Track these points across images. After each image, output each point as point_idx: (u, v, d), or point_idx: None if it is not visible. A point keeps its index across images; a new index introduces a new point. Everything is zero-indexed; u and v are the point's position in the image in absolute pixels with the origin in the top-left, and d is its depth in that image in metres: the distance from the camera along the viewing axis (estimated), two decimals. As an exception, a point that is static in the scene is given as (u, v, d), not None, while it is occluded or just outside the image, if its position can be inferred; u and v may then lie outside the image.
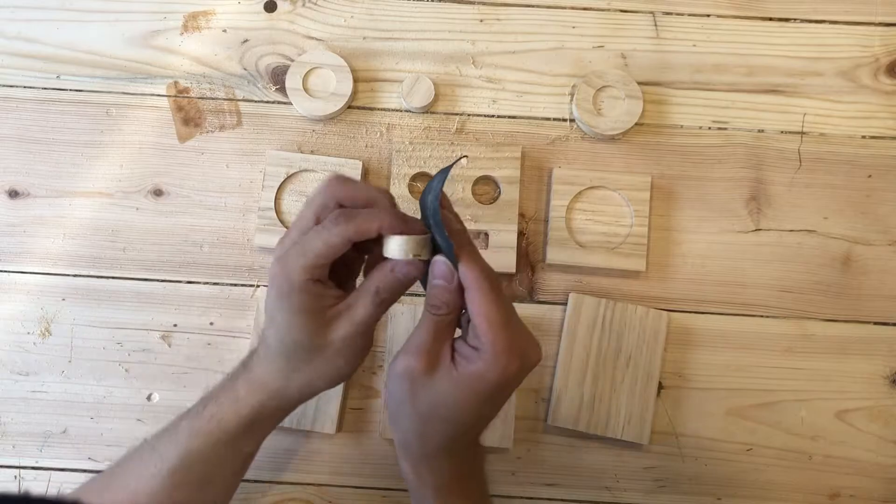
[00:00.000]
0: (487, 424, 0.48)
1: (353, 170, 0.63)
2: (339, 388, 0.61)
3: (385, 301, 0.45)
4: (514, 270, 0.62)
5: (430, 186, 0.44)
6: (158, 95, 0.66)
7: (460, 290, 0.44)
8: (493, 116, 0.66)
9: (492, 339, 0.42)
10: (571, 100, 0.66)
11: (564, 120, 0.66)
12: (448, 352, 0.44)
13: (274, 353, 0.46)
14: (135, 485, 0.48)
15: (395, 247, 0.43)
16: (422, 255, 0.44)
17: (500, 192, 0.63)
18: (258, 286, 0.63)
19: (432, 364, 0.44)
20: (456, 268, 0.44)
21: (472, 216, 0.62)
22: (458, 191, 0.63)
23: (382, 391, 0.62)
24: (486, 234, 0.62)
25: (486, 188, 0.64)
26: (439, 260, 0.44)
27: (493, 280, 0.44)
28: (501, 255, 0.62)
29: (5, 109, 0.66)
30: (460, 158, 0.53)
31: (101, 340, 0.63)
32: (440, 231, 0.43)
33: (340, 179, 0.45)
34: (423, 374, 0.44)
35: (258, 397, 0.48)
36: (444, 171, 0.43)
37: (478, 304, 0.43)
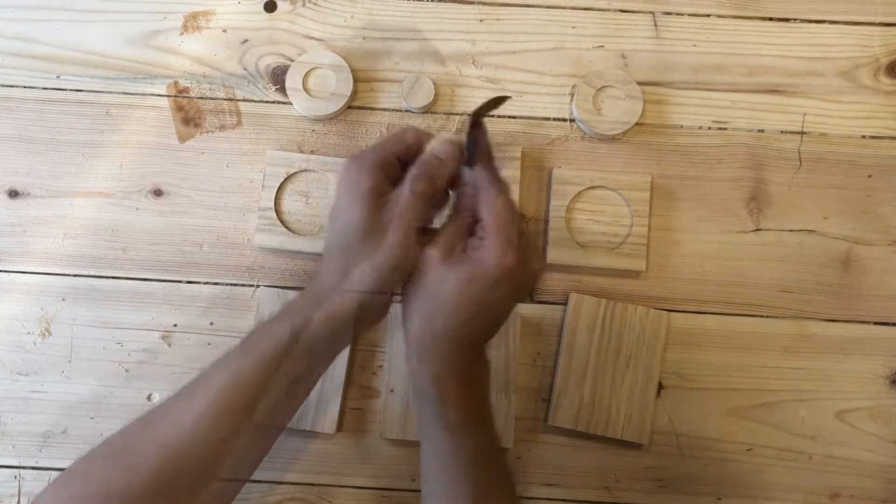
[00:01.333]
0: (487, 330, 0.51)
1: (353, 170, 0.63)
2: (339, 388, 0.61)
3: (421, 186, 0.49)
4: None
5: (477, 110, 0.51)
6: (158, 95, 0.66)
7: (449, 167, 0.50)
8: (493, 116, 0.66)
9: (493, 229, 0.47)
10: (571, 100, 0.66)
11: (564, 120, 0.66)
12: (461, 245, 0.49)
13: (333, 250, 0.50)
14: (180, 416, 0.47)
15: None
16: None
17: None
18: (258, 286, 0.63)
19: (447, 253, 0.48)
20: (471, 166, 0.50)
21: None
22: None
23: (384, 391, 0.62)
24: None
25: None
26: (447, 139, 0.51)
27: (504, 187, 0.50)
28: None
29: (5, 109, 0.66)
30: (507, 98, 0.55)
31: (101, 340, 0.63)
32: (468, 138, 0.50)
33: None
34: (438, 260, 0.48)
35: (311, 310, 0.48)
36: (495, 101, 0.51)
37: (485, 200, 0.49)
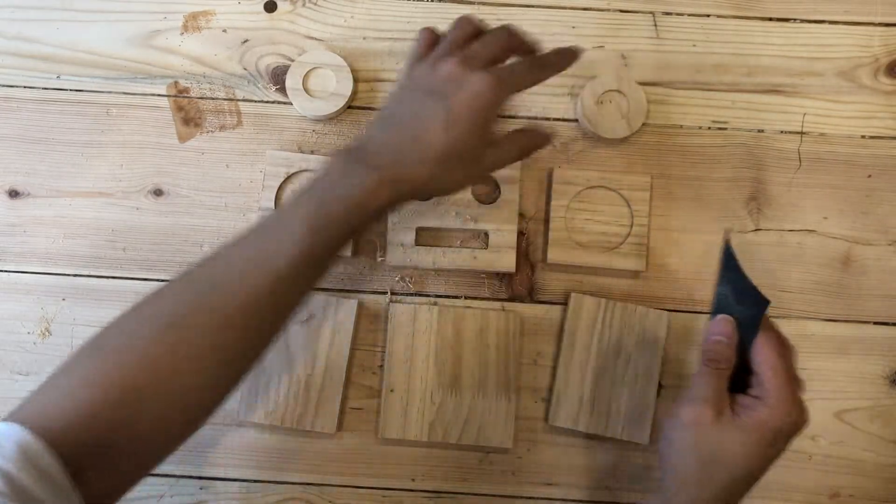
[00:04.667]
0: (760, 476, 0.50)
1: (353, 170, 0.63)
2: (339, 388, 0.61)
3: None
4: (513, 270, 0.62)
5: (727, 261, 0.52)
6: (158, 95, 0.66)
7: (735, 346, 0.50)
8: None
9: (777, 387, 0.48)
10: (575, 103, 0.66)
11: (565, 120, 0.66)
12: (728, 402, 0.50)
13: (431, 156, 0.49)
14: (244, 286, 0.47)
15: None
16: None
17: (499, 191, 0.63)
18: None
19: (716, 413, 0.49)
20: (756, 328, 0.50)
21: (471, 216, 0.62)
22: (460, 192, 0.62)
23: (384, 391, 0.62)
24: (486, 234, 0.62)
25: (486, 188, 0.64)
26: (722, 318, 0.51)
27: (779, 335, 0.50)
28: (501, 255, 0.62)
29: (5, 109, 0.66)
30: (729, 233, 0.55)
31: (101, 340, 0.63)
32: (749, 294, 0.50)
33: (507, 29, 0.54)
34: (709, 421, 0.48)
35: (390, 195, 0.49)
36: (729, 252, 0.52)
37: (765, 356, 0.49)
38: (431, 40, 0.54)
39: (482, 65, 0.50)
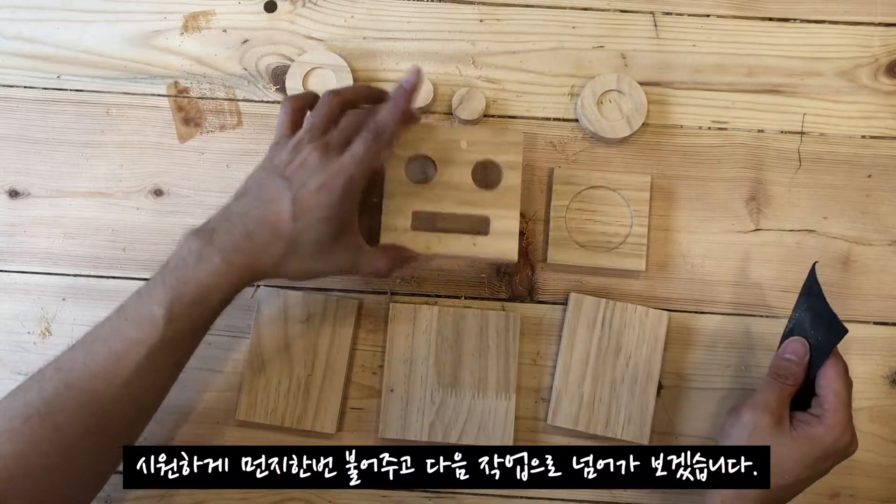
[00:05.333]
0: (803, 489, 0.54)
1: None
2: (339, 388, 0.61)
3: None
4: (515, 257, 0.58)
5: (810, 286, 0.55)
6: (158, 95, 0.66)
7: (805, 366, 0.54)
8: (492, 116, 0.66)
9: (836, 409, 0.52)
10: (576, 103, 0.66)
11: (564, 120, 0.66)
12: (788, 415, 0.54)
13: (282, 240, 0.50)
14: (108, 379, 0.49)
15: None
16: None
17: (501, 177, 0.60)
18: (258, 286, 0.63)
19: (775, 421, 0.53)
20: (826, 353, 0.53)
21: (471, 201, 0.59)
22: (455, 175, 0.59)
23: (384, 391, 0.62)
24: (488, 220, 0.60)
25: (487, 173, 0.61)
26: (798, 339, 0.55)
27: (845, 365, 0.54)
28: (503, 242, 0.59)
29: (5, 109, 0.66)
30: (814, 265, 0.57)
31: (101, 340, 0.63)
32: (826, 320, 0.53)
33: (337, 92, 0.55)
34: (767, 427, 0.52)
35: (240, 276, 0.50)
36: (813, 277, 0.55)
37: (830, 380, 0.53)
38: (297, 116, 0.55)
39: (340, 151, 0.51)
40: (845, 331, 0.53)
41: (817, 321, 0.55)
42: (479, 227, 0.59)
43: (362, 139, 0.51)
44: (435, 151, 0.59)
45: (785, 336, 0.57)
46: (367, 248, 0.54)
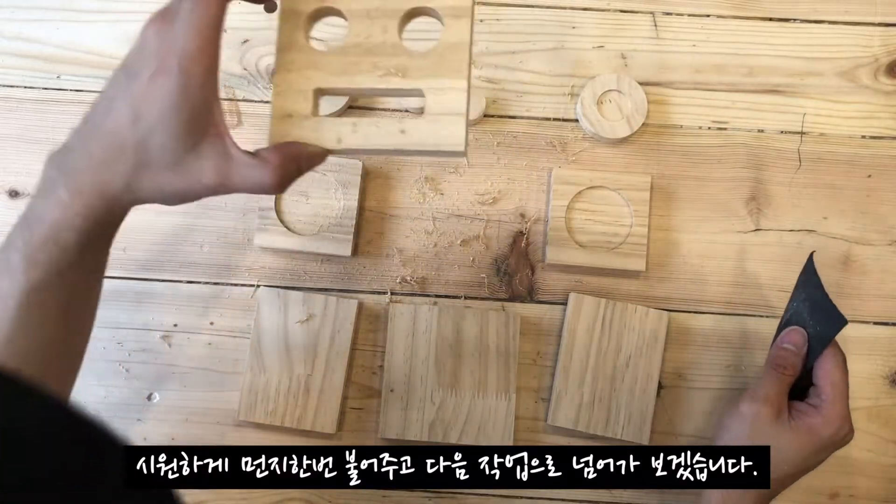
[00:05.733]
0: (799, 478, 0.54)
1: (353, 170, 0.63)
2: (339, 388, 0.61)
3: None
4: (462, 146, 0.42)
5: (808, 277, 0.55)
6: (158, 95, 0.66)
7: (803, 356, 0.54)
8: (492, 116, 0.66)
9: (833, 400, 0.52)
10: (576, 103, 0.66)
11: (564, 120, 0.66)
12: (786, 406, 0.53)
13: (124, 153, 0.40)
14: None
15: None
16: None
17: (441, 31, 0.43)
18: (258, 286, 0.63)
19: (775, 412, 0.53)
20: (825, 344, 0.53)
21: (398, 69, 0.42)
22: (377, 32, 0.43)
23: (384, 391, 0.62)
24: (422, 94, 0.42)
25: (421, 25, 0.45)
26: (795, 329, 0.55)
27: (843, 355, 0.54)
28: (442, 126, 0.41)
29: (5, 109, 0.66)
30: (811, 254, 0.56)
31: (101, 340, 0.63)
32: (825, 311, 0.53)
33: None
34: (767, 419, 0.52)
35: (90, 203, 0.40)
36: (811, 265, 0.55)
37: (828, 371, 0.53)
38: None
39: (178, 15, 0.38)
40: (845, 321, 0.53)
41: (816, 312, 0.55)
42: (412, 101, 0.44)
43: None
44: (344, 2, 0.44)
45: (782, 326, 0.57)
46: (242, 155, 0.40)
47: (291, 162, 0.41)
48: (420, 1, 0.42)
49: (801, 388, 0.55)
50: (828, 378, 0.53)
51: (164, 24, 0.38)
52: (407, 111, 0.65)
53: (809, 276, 0.55)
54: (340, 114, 0.65)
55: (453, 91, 0.41)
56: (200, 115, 0.39)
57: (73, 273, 0.42)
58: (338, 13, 0.44)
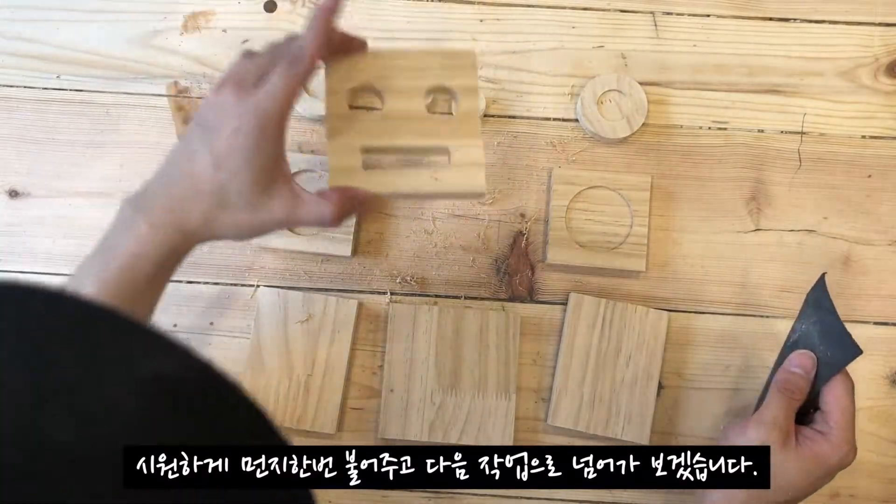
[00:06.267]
0: (803, 499, 0.54)
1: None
2: (339, 388, 0.61)
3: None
4: (484, 189, 0.51)
5: (819, 299, 0.54)
6: (158, 95, 0.66)
7: (811, 380, 0.54)
8: (493, 116, 0.66)
9: (842, 427, 0.52)
10: (576, 103, 0.66)
11: (564, 120, 0.66)
12: (794, 431, 0.53)
13: (205, 194, 0.46)
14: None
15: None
16: None
17: (456, 104, 0.52)
18: (258, 286, 0.63)
19: (783, 438, 0.52)
20: (835, 370, 0.53)
21: (427, 132, 0.52)
22: (405, 103, 0.52)
23: (384, 391, 0.62)
24: (448, 151, 0.51)
25: (439, 101, 0.56)
26: (805, 353, 0.54)
27: (853, 383, 0.53)
28: (468, 173, 0.51)
29: (5, 109, 0.66)
30: (823, 275, 0.55)
31: (101, 340, 0.63)
32: (837, 336, 0.52)
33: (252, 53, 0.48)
34: (775, 446, 0.52)
35: (169, 238, 0.46)
36: (822, 285, 0.54)
37: (838, 397, 0.52)
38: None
39: (257, 87, 0.46)
40: (860, 351, 0.52)
41: (827, 337, 0.53)
42: (439, 158, 0.52)
43: (278, 69, 0.46)
44: (378, 80, 0.52)
45: (789, 347, 0.56)
46: (307, 195, 0.48)
47: (348, 201, 0.49)
48: (439, 81, 0.52)
49: (801, 412, 0.55)
50: (837, 404, 0.52)
51: (241, 90, 0.45)
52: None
53: (820, 299, 0.54)
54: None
55: (471, 147, 0.51)
56: (273, 166, 0.46)
57: (139, 301, 0.47)
58: (374, 89, 0.52)
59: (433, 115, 0.52)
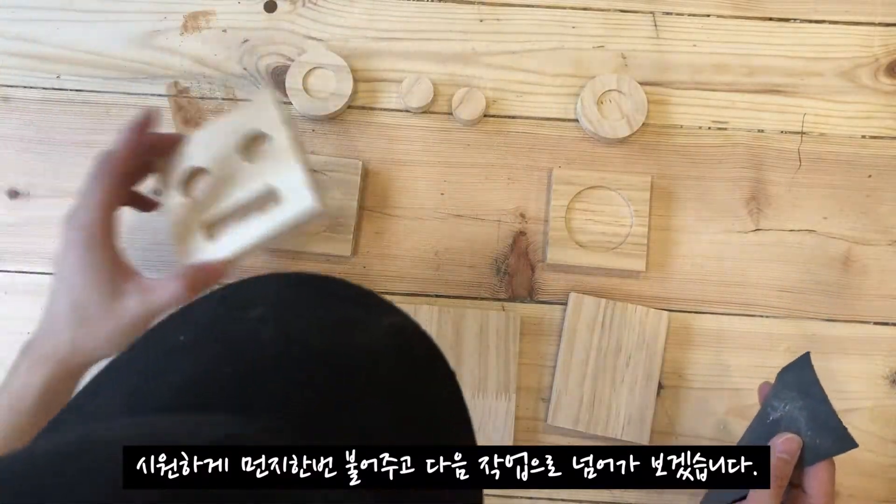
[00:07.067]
0: None
1: (353, 170, 0.63)
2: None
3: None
4: (318, 204, 0.52)
5: (804, 382, 0.52)
6: (158, 95, 0.66)
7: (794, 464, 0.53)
8: (493, 116, 0.66)
9: None
10: (576, 103, 0.66)
11: (564, 120, 0.66)
12: None
13: (63, 318, 0.49)
14: None
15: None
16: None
17: (270, 142, 0.54)
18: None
19: None
20: (825, 457, 0.51)
21: (251, 180, 0.53)
22: (226, 166, 0.54)
23: None
24: (275, 188, 0.53)
25: (257, 146, 0.55)
26: (793, 438, 0.52)
27: (834, 466, 0.53)
28: (296, 197, 0.52)
29: (5, 109, 0.66)
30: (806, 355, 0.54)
31: (101, 340, 0.63)
32: (826, 424, 0.51)
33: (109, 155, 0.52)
34: None
35: (44, 371, 0.49)
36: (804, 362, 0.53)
37: (824, 483, 0.52)
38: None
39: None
40: (855, 445, 0.50)
41: (817, 425, 0.52)
42: (271, 199, 0.54)
43: (87, 184, 0.51)
44: (199, 159, 0.54)
45: (768, 425, 0.54)
46: (156, 282, 0.51)
47: (200, 273, 0.52)
48: (246, 129, 0.54)
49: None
50: (822, 489, 0.52)
51: (66, 216, 0.50)
52: (407, 110, 0.65)
53: (806, 382, 0.52)
54: (340, 113, 0.65)
55: (292, 173, 0.52)
56: (112, 268, 0.50)
57: (26, 430, 0.49)
58: (198, 168, 0.54)
59: (251, 164, 0.54)
